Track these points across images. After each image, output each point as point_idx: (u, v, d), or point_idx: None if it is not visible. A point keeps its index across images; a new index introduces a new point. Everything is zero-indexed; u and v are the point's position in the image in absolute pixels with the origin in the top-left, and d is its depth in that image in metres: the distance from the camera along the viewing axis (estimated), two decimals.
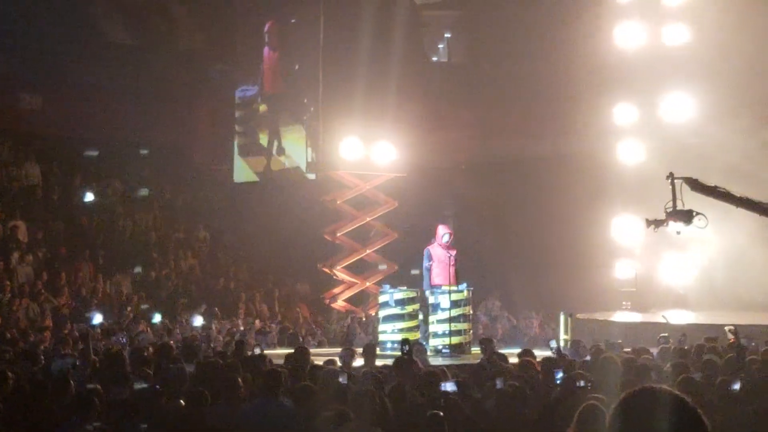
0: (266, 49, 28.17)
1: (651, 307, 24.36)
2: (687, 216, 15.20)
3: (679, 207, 15.26)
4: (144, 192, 27.92)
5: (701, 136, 24.87)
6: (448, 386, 9.85)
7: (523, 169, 27.85)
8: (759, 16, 23.29)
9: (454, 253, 19.45)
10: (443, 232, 19.71)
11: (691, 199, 15.60)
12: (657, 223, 15.45)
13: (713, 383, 10.57)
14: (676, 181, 15.25)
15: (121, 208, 27.00)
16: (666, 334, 16.72)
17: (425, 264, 19.43)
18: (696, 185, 15.16)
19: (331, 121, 26.03)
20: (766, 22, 23.16)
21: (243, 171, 28.40)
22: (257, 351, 14.37)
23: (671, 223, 15.32)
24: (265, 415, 8.99)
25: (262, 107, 28.33)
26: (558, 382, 10.69)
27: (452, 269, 19.12)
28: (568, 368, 11.56)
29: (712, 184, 15.33)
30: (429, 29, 29.99)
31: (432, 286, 19.06)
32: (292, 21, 27.57)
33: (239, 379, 9.71)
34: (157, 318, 21.48)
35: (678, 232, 15.72)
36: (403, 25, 27.18)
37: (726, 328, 15.27)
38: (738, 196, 15.13)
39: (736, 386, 10.59)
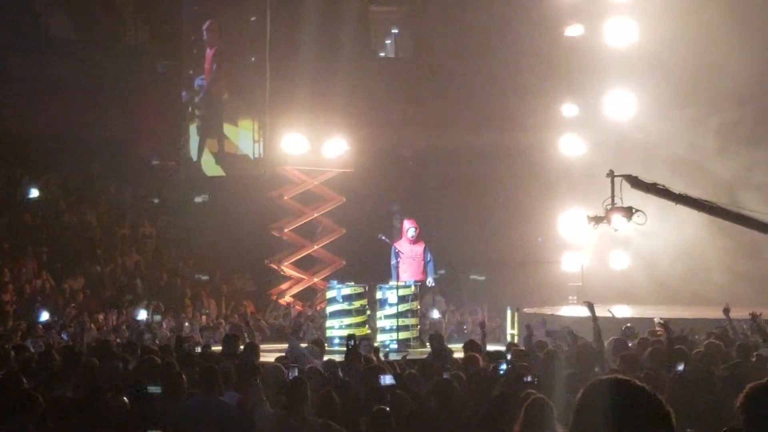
0: (207, 49, 27.90)
1: (596, 301, 24.50)
2: (626, 213, 15.36)
3: (620, 204, 15.41)
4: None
5: (646, 131, 25.14)
6: (387, 379, 9.84)
7: (470, 163, 27.90)
8: (702, 9, 23.56)
9: (421, 247, 19.51)
10: (408, 227, 19.75)
11: (632, 196, 15.76)
12: (597, 220, 15.60)
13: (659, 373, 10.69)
14: (616, 178, 15.41)
15: (65, 203, 26.71)
16: (630, 325, 16.84)
17: (392, 261, 19.51)
18: (636, 182, 15.33)
19: (278, 117, 25.94)
20: (709, 15, 23.42)
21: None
22: (199, 348, 14.29)
23: (612, 219, 15.47)
24: (206, 411, 8.93)
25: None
26: (501, 373, 10.71)
27: (422, 264, 19.25)
28: (516, 361, 11.61)
29: (652, 182, 15.49)
30: (376, 25, 29.99)
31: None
32: (252, 19, 27.27)
33: (183, 376, 9.64)
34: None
35: (615, 230, 15.88)
36: (350, 20, 27.16)
37: (655, 320, 15.50)
38: (677, 193, 15.32)
39: (680, 368, 10.76)
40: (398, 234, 21.85)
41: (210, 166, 27.72)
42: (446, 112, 28.16)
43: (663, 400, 3.40)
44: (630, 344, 14.15)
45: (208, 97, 28.02)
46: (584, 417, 3.41)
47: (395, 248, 19.64)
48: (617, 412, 3.33)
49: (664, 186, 15.30)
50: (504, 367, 10.96)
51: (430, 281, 20.17)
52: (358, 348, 12.70)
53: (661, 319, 15.15)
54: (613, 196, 15.39)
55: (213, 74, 27.84)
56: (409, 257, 19.55)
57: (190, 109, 28.37)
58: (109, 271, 25.06)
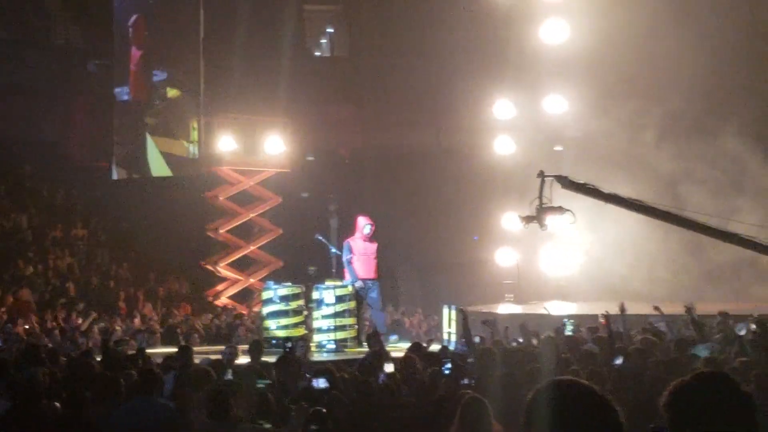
0: (133, 48, 27.53)
1: (532, 298, 24.72)
2: (556, 212, 15.50)
3: (548, 203, 15.54)
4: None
5: (584, 128, 25.35)
6: (321, 383, 9.80)
7: (406, 162, 27.98)
8: (635, 7, 23.83)
9: (375, 246, 19.47)
10: (364, 224, 19.68)
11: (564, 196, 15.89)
12: (528, 220, 15.71)
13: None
14: (547, 178, 15.53)
15: None
16: (571, 320, 16.92)
17: (345, 257, 19.42)
18: (566, 182, 15.46)
19: (213, 117, 25.75)
20: (646, 9, 23.70)
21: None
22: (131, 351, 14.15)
23: (541, 219, 15.59)
24: (143, 414, 8.84)
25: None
26: (447, 373, 10.71)
27: (375, 262, 19.21)
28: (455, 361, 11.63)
29: (582, 182, 15.64)
30: (311, 24, 29.91)
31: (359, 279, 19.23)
32: (184, 18, 26.90)
33: (120, 379, 9.53)
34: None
35: (543, 228, 15.99)
36: (284, 20, 27.06)
37: (600, 314, 15.65)
38: (606, 192, 15.50)
39: (619, 361, 10.88)
40: (335, 234, 21.81)
41: (158, 167, 27.41)
42: (383, 112, 28.18)
43: (612, 400, 3.38)
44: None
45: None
46: (533, 419, 3.40)
47: (348, 244, 19.59)
48: (565, 414, 3.34)
49: (594, 186, 15.47)
50: (449, 366, 10.96)
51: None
52: (294, 351, 12.65)
53: (606, 311, 15.30)
54: (541, 196, 15.51)
55: (135, 79, 27.45)
56: (362, 254, 19.50)
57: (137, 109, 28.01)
58: (40, 273, 24.69)
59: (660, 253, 23.81)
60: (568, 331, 15.75)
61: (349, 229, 26.37)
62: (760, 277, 22.14)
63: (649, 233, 22.39)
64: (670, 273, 23.82)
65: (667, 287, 22.91)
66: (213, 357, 13.04)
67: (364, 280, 19.36)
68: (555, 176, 15.46)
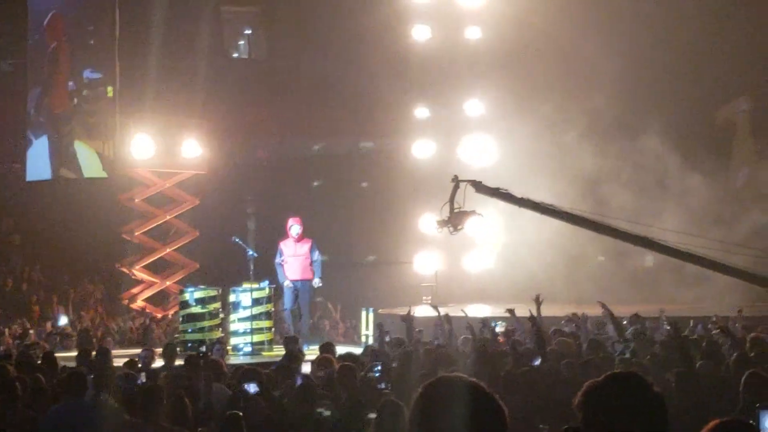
0: (51, 47, 26.99)
1: (450, 300, 24.82)
2: (468, 216, 15.65)
3: (461, 208, 15.67)
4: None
5: (505, 130, 25.55)
6: (251, 387, 9.76)
7: (325, 165, 27.95)
8: (543, 13, 24.12)
9: (308, 246, 19.40)
10: (291, 224, 19.62)
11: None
12: (442, 224, 15.83)
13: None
14: (461, 183, 15.66)
15: None
16: (501, 322, 17.01)
17: (276, 260, 19.39)
18: (479, 187, 15.62)
19: (128, 117, 25.43)
20: (562, 11, 23.98)
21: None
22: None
23: (454, 223, 15.72)
24: (72, 416, 8.76)
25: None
26: (377, 375, 10.73)
27: (308, 262, 19.18)
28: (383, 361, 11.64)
29: (495, 186, 15.81)
30: (228, 25, 29.70)
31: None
32: (98, 19, 26.47)
33: (43, 381, 9.42)
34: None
35: (453, 233, 16.11)
36: (201, 20, 26.84)
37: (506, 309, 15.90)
38: (519, 197, 15.68)
39: (537, 362, 10.99)
40: (253, 236, 21.69)
41: (92, 169, 26.89)
42: (302, 114, 28.08)
43: (497, 397, 3.47)
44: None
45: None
46: (417, 416, 3.46)
47: (279, 247, 19.56)
48: (449, 411, 3.40)
49: (506, 190, 15.63)
50: (379, 368, 10.96)
51: (316, 282, 19.96)
52: (209, 353, 12.57)
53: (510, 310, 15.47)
54: (452, 201, 15.64)
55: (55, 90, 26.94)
56: (292, 256, 19.44)
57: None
58: None
59: (581, 255, 24.06)
60: (497, 330, 15.86)
61: (266, 231, 26.32)
62: (681, 280, 22.48)
63: (573, 235, 22.58)
64: (590, 275, 24.08)
65: (587, 289, 23.17)
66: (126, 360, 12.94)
67: (294, 281, 19.35)
68: (468, 181, 15.60)
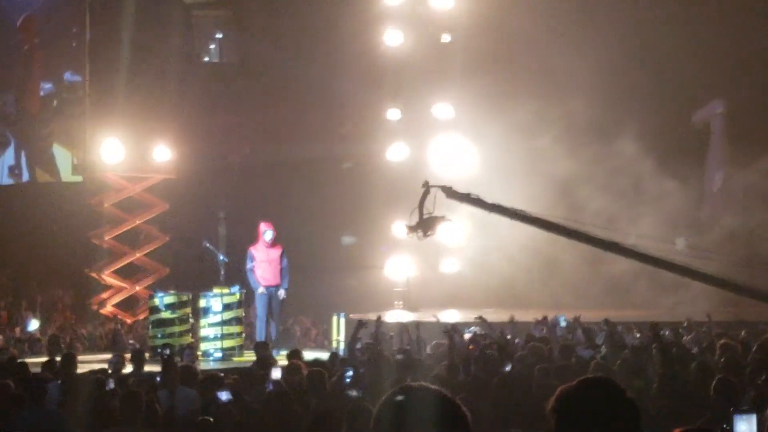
0: (24, 50, 26.81)
1: (422, 306, 24.83)
2: (438, 222, 15.65)
3: (431, 214, 15.67)
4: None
5: (479, 133, 25.59)
6: (224, 395, 9.69)
7: (297, 170, 27.85)
8: (517, 17, 24.19)
9: (278, 252, 19.31)
10: (264, 229, 19.51)
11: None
12: (412, 230, 15.82)
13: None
14: (432, 188, 15.66)
15: None
16: (476, 328, 17.00)
17: (247, 266, 19.26)
18: (450, 193, 15.63)
19: (98, 121, 25.28)
20: (525, 21, 24.06)
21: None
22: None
23: (425, 229, 15.71)
24: (33, 424, 8.68)
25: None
26: (348, 381, 10.69)
27: (278, 268, 19.06)
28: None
29: (465, 192, 15.81)
30: (200, 29, 29.58)
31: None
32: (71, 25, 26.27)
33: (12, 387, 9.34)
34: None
35: (421, 239, 16.11)
36: (172, 24, 26.73)
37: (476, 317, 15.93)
38: (489, 202, 15.69)
39: (507, 368, 11.00)
40: (224, 241, 21.59)
41: (68, 172, 26.71)
42: (274, 118, 28.00)
43: (460, 404, 3.49)
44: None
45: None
46: (380, 424, 3.48)
47: (250, 252, 19.45)
48: (412, 419, 3.42)
49: (477, 196, 15.64)
50: (351, 374, 10.92)
51: (282, 293, 19.75)
52: (176, 358, 12.51)
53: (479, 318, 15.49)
54: (422, 207, 15.63)
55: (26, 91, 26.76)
56: (264, 261, 19.35)
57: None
58: None
59: (557, 260, 24.09)
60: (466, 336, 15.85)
61: (237, 237, 26.20)
62: (657, 286, 22.55)
63: (549, 240, 22.62)
64: (565, 280, 24.14)
65: (563, 294, 23.23)
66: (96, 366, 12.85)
67: (267, 287, 19.26)
68: (439, 186, 15.59)
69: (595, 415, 3.65)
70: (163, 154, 25.41)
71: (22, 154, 27.14)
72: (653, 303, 23.16)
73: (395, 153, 26.07)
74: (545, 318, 16.59)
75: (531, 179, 23.76)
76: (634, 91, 25.43)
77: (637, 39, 25.10)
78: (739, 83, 26.32)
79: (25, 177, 26.86)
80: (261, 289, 19.39)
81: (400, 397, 3.45)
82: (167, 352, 12.21)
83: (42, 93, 27.51)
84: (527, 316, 18.97)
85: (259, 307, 19.54)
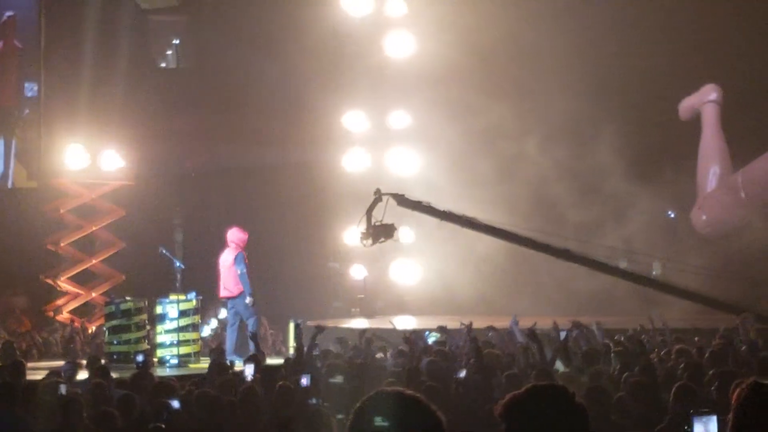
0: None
1: (378, 312, 24.88)
2: (390, 229, 15.74)
3: (379, 221, 15.74)
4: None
5: (436, 142, 25.66)
6: (175, 403, 9.67)
7: (254, 177, 27.79)
8: (474, 23, 24.32)
9: (232, 256, 19.19)
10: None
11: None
12: (364, 236, 15.89)
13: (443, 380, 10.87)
14: (383, 196, 15.73)
15: None
16: (434, 332, 16.97)
17: (244, 270, 19.05)
18: (402, 200, 15.72)
19: (53, 127, 25.11)
20: (482, 27, 24.19)
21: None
22: None
23: (375, 236, 15.78)
24: (7, 427, 8.68)
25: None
26: (304, 385, 10.67)
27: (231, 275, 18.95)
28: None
29: (417, 200, 15.90)
30: (157, 35, 29.47)
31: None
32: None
33: None
34: None
35: (366, 246, 16.18)
36: (129, 29, 26.61)
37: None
38: (441, 210, 15.79)
39: (462, 374, 11.06)
40: (180, 247, 21.50)
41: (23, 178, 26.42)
42: (231, 124, 27.92)
43: (435, 408, 3.57)
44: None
45: None
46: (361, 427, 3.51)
47: (241, 255, 19.28)
48: (388, 423, 3.45)
49: (429, 203, 15.74)
50: (305, 381, 10.89)
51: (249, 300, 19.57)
52: (147, 364, 12.48)
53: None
54: (369, 214, 15.69)
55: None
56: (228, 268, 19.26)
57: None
58: None
59: (510, 267, 24.16)
60: (430, 341, 15.86)
61: (193, 243, 26.13)
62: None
63: (501, 248, 22.75)
64: (521, 286, 24.21)
65: (522, 300, 23.30)
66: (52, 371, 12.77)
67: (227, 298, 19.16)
68: (391, 194, 15.68)
69: (543, 422, 3.69)
70: (120, 160, 25.31)
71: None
72: (629, 310, 23.07)
73: (351, 160, 26.15)
74: (491, 326, 16.59)
75: (497, 187, 23.82)
76: (608, 95, 25.28)
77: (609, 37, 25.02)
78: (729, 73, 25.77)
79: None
80: (249, 300, 19.34)
81: (374, 403, 3.49)
82: (139, 358, 12.13)
83: None
84: (486, 322, 19.06)
85: (234, 316, 19.40)
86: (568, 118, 25.05)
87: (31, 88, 26.52)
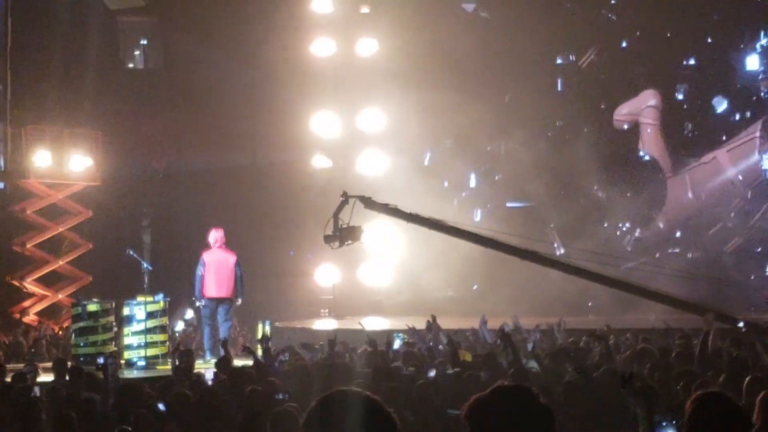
0: None
1: (347, 313, 24.86)
2: (357, 232, 15.74)
3: (345, 224, 15.74)
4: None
5: (407, 142, 25.71)
6: (161, 405, 9.61)
7: (222, 178, 27.74)
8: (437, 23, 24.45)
9: (234, 258, 19.10)
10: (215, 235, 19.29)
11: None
12: (329, 239, 15.87)
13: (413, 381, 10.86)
14: (350, 198, 15.73)
15: None
16: (401, 334, 16.96)
17: (198, 272, 18.93)
18: (369, 203, 15.72)
19: (20, 128, 24.93)
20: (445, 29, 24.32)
21: None
22: None
23: (341, 239, 15.78)
24: None
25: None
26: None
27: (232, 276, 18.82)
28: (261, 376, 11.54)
29: (384, 202, 15.90)
30: (125, 35, 29.34)
31: (205, 298, 18.75)
32: None
33: None
34: None
35: (333, 247, 16.16)
36: (97, 30, 26.50)
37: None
38: (407, 212, 15.81)
39: (432, 374, 11.07)
40: (148, 249, 21.37)
41: None
42: (198, 125, 27.86)
43: (390, 411, 3.54)
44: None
45: None
46: (312, 428, 3.52)
47: (202, 259, 19.14)
48: (343, 423, 3.48)
49: (395, 206, 15.75)
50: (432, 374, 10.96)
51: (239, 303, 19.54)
52: (108, 366, 12.37)
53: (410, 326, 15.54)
54: (336, 216, 15.68)
55: None
56: (217, 268, 19.11)
57: None
58: None
59: (482, 267, 24.20)
60: (398, 345, 15.82)
61: (161, 244, 25.99)
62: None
63: (475, 248, 22.77)
64: (491, 287, 24.26)
65: (497, 301, 23.32)
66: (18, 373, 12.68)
67: (210, 298, 19.06)
68: (358, 196, 15.68)
69: (508, 422, 3.68)
70: (86, 161, 25.17)
71: None
72: (604, 311, 23.14)
73: (320, 162, 26.18)
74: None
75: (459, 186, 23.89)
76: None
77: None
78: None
79: None
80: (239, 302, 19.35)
81: (331, 402, 3.52)
82: (100, 361, 12.04)
83: None
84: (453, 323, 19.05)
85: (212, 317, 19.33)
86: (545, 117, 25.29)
87: None
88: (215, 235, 19.35)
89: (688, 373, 9.63)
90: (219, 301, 18.98)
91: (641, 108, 26.83)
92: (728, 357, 11.12)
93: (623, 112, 27.05)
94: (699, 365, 11.00)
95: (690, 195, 25.90)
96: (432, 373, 11.38)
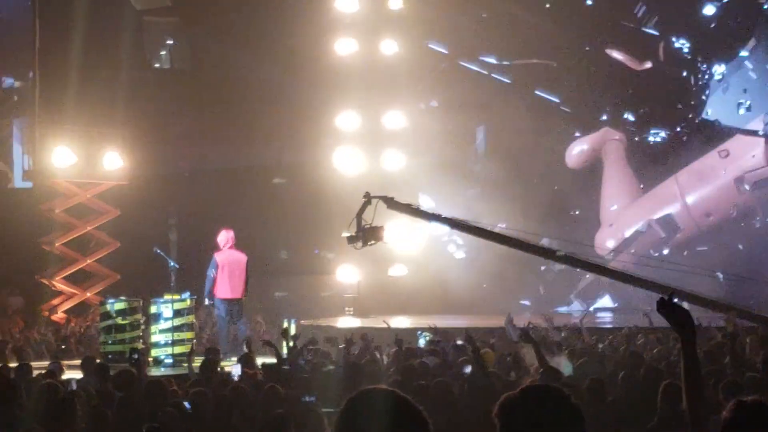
0: None
1: (372, 312, 24.91)
2: (379, 232, 15.78)
3: (369, 224, 15.78)
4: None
5: (418, 147, 25.74)
6: (187, 404, 9.69)
7: (248, 177, 27.84)
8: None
9: (246, 258, 19.24)
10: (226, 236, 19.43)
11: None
12: (353, 240, 15.93)
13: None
14: (373, 199, 15.77)
15: None
16: (425, 333, 17.00)
17: (210, 273, 19.09)
18: (392, 203, 15.76)
19: (48, 127, 25.08)
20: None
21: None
22: None
23: (364, 240, 15.82)
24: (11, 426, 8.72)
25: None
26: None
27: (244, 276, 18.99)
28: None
29: (406, 202, 15.95)
30: (150, 35, 29.45)
31: (218, 299, 18.90)
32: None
33: None
34: None
35: (357, 248, 16.20)
36: (123, 30, 26.62)
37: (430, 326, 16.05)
38: (430, 212, 15.86)
39: (467, 369, 11.09)
40: (175, 247, 21.44)
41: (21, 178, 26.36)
42: (224, 124, 27.97)
43: (422, 410, 3.54)
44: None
45: None
46: (343, 427, 3.52)
47: (214, 259, 19.27)
48: (374, 422, 3.47)
49: (417, 206, 15.80)
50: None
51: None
52: (141, 362, 12.46)
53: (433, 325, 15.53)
54: (359, 217, 15.72)
55: None
56: (227, 269, 19.24)
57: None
58: None
59: (500, 266, 24.20)
60: (422, 343, 15.87)
61: (188, 243, 26.08)
62: None
63: (496, 247, 22.76)
64: (506, 285, 24.27)
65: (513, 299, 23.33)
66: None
67: (221, 299, 19.19)
68: (380, 197, 15.71)
69: (537, 422, 3.71)
70: (114, 160, 25.30)
71: None
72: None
73: (344, 161, 26.24)
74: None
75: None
76: None
77: None
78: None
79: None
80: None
81: (360, 402, 3.52)
82: (135, 356, 12.12)
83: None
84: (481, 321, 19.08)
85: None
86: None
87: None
88: (226, 236, 19.52)
89: (716, 372, 9.62)
90: (232, 301, 19.13)
91: (605, 141, 26.87)
92: (763, 359, 11.08)
93: (581, 148, 27.05)
94: (731, 365, 10.96)
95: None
96: (467, 369, 11.37)
